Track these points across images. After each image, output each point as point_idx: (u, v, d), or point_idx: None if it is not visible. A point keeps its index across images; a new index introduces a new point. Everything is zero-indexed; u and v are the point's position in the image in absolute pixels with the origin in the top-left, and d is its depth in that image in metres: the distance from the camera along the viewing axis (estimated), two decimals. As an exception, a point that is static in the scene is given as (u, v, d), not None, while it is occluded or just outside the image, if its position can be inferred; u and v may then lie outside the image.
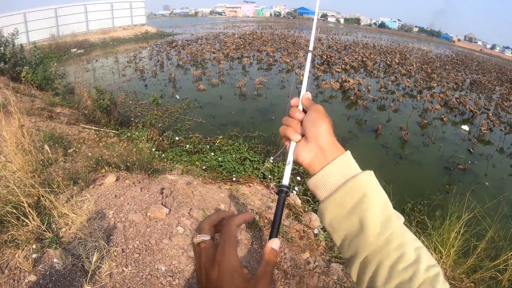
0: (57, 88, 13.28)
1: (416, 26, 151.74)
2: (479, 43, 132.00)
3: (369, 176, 0.88)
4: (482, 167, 10.93)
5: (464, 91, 22.82)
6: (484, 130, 14.05)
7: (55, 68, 14.37)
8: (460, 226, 4.78)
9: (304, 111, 1.04)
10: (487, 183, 9.44)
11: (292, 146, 1.03)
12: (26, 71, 12.38)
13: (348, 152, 0.95)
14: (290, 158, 1.02)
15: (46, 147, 4.40)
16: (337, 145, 0.95)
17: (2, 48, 13.43)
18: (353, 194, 0.86)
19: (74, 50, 30.56)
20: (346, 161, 0.93)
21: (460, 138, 13.32)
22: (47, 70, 13.71)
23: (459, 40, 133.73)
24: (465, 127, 14.63)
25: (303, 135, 1.00)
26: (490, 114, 16.97)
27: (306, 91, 1.10)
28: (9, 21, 27.96)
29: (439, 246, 4.71)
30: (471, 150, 12.03)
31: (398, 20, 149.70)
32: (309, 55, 1.23)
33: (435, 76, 25.39)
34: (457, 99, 18.28)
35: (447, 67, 33.70)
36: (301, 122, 1.02)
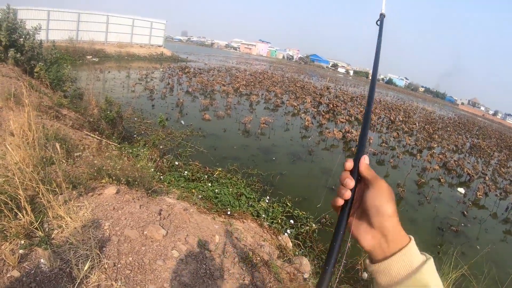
0: (67, 90, 13.28)
1: (422, 86, 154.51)
2: (482, 108, 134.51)
3: (431, 269, 0.88)
4: (475, 230, 10.89)
5: (463, 154, 23.05)
6: (479, 194, 14.04)
7: (69, 70, 14.42)
8: (448, 284, 4.75)
9: (359, 175, 1.00)
10: (478, 247, 9.37)
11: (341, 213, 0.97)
12: (40, 67, 12.40)
13: (413, 241, 0.93)
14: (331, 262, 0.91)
15: (57, 145, 4.36)
16: (401, 233, 0.92)
17: (22, 39, 13.51)
18: (415, 287, 0.85)
19: (89, 57, 30.88)
20: (410, 252, 0.91)
21: (456, 200, 13.30)
22: (60, 71, 13.75)
23: (462, 103, 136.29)
24: (461, 190, 14.63)
25: (364, 212, 0.97)
26: (487, 178, 17.08)
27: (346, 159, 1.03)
28: (33, 15, 28.44)
29: None
30: (465, 212, 11.97)
31: (406, 78, 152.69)
32: (368, 116, 1.17)
33: (437, 136, 25.70)
34: (456, 162, 18.46)
35: (448, 129, 34.21)
36: (361, 196, 0.98)
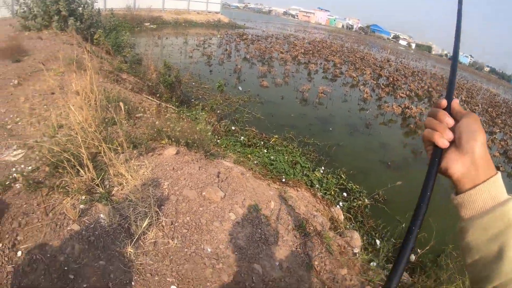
0: (126, 56, 13.47)
1: (487, 66, 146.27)
2: None
3: None
4: None
5: None
6: None
7: (127, 37, 14.62)
8: None
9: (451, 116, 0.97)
10: None
11: (435, 152, 0.98)
12: (100, 34, 12.62)
13: (499, 173, 0.90)
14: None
15: (121, 104, 4.35)
16: (490, 162, 0.91)
17: (80, 8, 13.76)
18: (500, 221, 0.84)
19: (147, 24, 31.21)
20: (497, 183, 0.88)
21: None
22: (119, 37, 13.96)
23: None
24: None
25: (451, 142, 0.95)
26: None
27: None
28: (90, -16, 28.75)
29: None
30: None
31: (471, 56, 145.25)
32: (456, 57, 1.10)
33: (500, 121, 24.11)
34: None
35: None
36: (452, 129, 0.95)
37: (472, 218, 0.89)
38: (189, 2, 43.76)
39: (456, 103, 0.99)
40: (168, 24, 35.29)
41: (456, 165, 0.93)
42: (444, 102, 0.99)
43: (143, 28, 29.68)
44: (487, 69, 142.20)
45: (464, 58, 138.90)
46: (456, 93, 29.42)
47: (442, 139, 0.94)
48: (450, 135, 0.94)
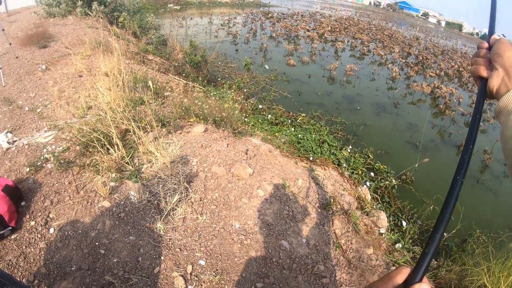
0: (151, 38, 13.51)
1: None
2: None
3: None
4: None
5: None
6: None
7: (152, 18, 14.66)
8: None
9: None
10: None
11: (482, 83, 1.10)
12: (124, 17, 12.70)
13: None
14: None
15: (150, 83, 4.35)
16: None
17: (104, -8, 13.83)
18: None
19: (171, 5, 31.19)
20: None
21: None
22: (144, 19, 14.01)
23: None
24: None
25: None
26: None
27: None
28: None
29: (501, 282, 4.30)
30: None
31: (503, 35, 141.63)
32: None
33: None
34: None
35: None
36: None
37: (507, 118, 0.99)
38: (213, -19, 43.56)
39: (494, 38, 1.13)
40: (192, 5, 35.22)
41: (492, 80, 1.05)
42: (484, 45, 1.16)
43: (167, 9, 29.68)
44: None
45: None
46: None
47: (480, 68, 1.11)
48: (487, 65, 1.10)
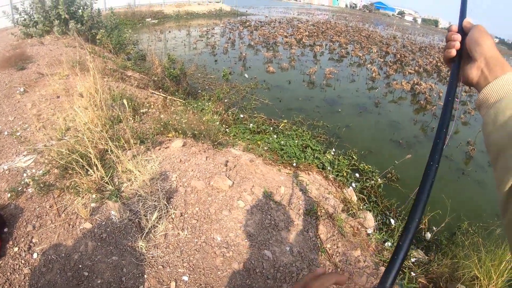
0: (129, 53, 13.55)
1: (496, 37, 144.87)
2: None
3: None
4: None
5: None
6: None
7: (129, 34, 14.68)
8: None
9: (463, 32, 1.11)
10: None
11: (453, 67, 1.11)
12: (102, 34, 12.71)
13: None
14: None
15: (125, 101, 4.39)
16: (503, 62, 0.99)
17: (80, 10, 13.81)
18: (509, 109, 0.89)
19: (148, 19, 31.21)
20: (509, 78, 0.95)
21: None
22: (122, 35, 14.02)
23: None
24: None
25: (465, 56, 1.08)
26: None
27: None
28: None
29: (492, 271, 4.39)
30: None
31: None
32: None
33: None
34: None
35: None
36: (463, 44, 1.09)
37: (487, 112, 0.96)
38: (189, -7, 43.73)
39: (466, 21, 1.12)
40: (169, 18, 35.25)
41: (471, 72, 1.05)
42: (453, 27, 1.15)
43: (145, 24, 29.68)
44: (496, 40, 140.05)
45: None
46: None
47: (450, 50, 1.11)
48: (457, 45, 1.10)
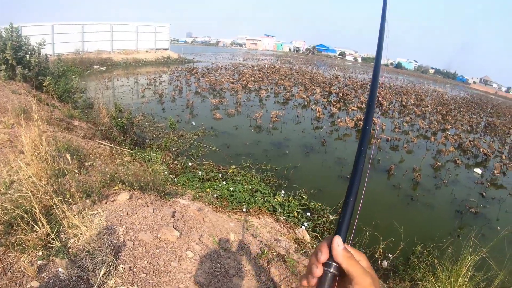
0: (77, 101, 13.46)
1: (432, 68, 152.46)
2: (494, 85, 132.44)
3: None
4: (494, 211, 10.72)
5: (478, 134, 22.88)
6: (497, 173, 13.84)
7: (77, 82, 14.58)
8: (467, 269, 4.71)
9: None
10: (498, 228, 9.19)
11: None
12: (49, 81, 12.57)
13: None
14: None
15: (67, 156, 4.40)
16: None
17: (28, 55, 13.67)
18: None
19: (96, 67, 31.11)
20: None
21: (473, 181, 13.10)
22: (69, 83, 13.92)
23: (474, 82, 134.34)
24: (478, 170, 14.44)
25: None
26: (504, 157, 16.84)
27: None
28: (37, 31, 28.58)
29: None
30: (484, 193, 11.83)
31: (415, 61, 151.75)
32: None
33: (450, 118, 25.46)
34: (471, 142, 18.18)
35: (461, 109, 33.73)
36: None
37: None
38: (137, 41, 44.01)
39: (339, 255, 0.83)
40: (118, 65, 35.28)
41: None
42: (322, 258, 0.84)
43: (92, 71, 29.59)
44: (432, 70, 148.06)
45: (408, 65, 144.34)
46: (405, 98, 30.51)
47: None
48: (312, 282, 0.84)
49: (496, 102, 62.33)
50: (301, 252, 5.75)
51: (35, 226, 4.07)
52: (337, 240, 0.84)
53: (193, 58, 51.59)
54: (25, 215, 4.03)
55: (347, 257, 0.82)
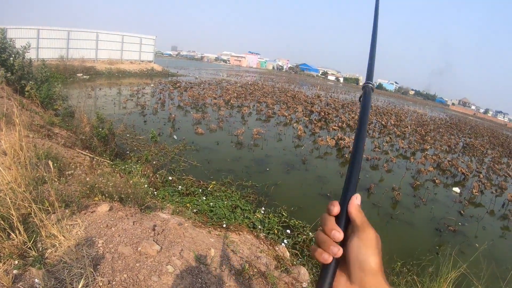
0: (58, 109, 13.27)
1: (412, 89, 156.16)
2: (473, 107, 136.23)
3: None
4: (473, 229, 10.95)
5: (456, 154, 23.47)
6: (475, 192, 14.09)
7: (59, 89, 14.42)
8: (447, 285, 4.77)
9: (348, 218, 0.86)
10: (477, 245, 9.32)
11: (322, 271, 0.83)
12: (31, 86, 12.42)
13: None
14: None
15: (50, 162, 4.34)
16: None
17: (11, 58, 13.51)
18: None
19: (80, 75, 30.93)
20: None
21: (451, 200, 13.34)
22: (51, 89, 13.76)
23: (453, 104, 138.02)
24: (457, 189, 14.70)
25: (343, 258, 0.83)
26: (482, 176, 17.28)
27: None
28: (22, 34, 28.46)
29: None
30: (462, 212, 12.07)
31: (396, 82, 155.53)
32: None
33: (429, 138, 26.09)
34: (450, 162, 18.61)
35: (440, 130, 34.67)
36: (344, 242, 0.84)
37: None
38: (122, 51, 43.93)
39: (353, 207, 0.87)
40: (101, 75, 35.14)
41: None
42: (335, 210, 0.87)
43: (76, 79, 29.42)
44: (412, 92, 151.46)
45: (389, 86, 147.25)
46: (385, 119, 30.92)
47: (324, 255, 0.82)
48: (335, 251, 0.81)
49: (474, 123, 64.34)
50: (281, 269, 5.73)
51: (12, 234, 3.98)
52: (358, 196, 0.89)
53: (177, 71, 51.76)
54: (2, 222, 3.95)
55: (360, 211, 0.87)
